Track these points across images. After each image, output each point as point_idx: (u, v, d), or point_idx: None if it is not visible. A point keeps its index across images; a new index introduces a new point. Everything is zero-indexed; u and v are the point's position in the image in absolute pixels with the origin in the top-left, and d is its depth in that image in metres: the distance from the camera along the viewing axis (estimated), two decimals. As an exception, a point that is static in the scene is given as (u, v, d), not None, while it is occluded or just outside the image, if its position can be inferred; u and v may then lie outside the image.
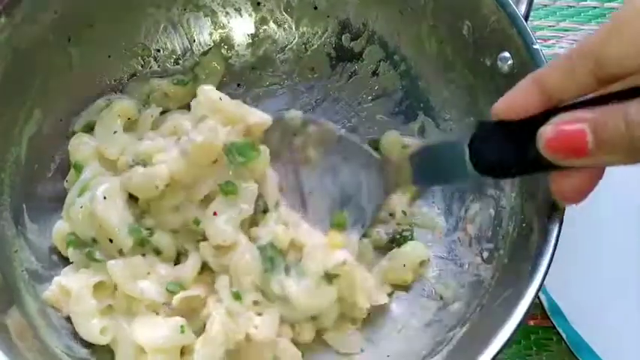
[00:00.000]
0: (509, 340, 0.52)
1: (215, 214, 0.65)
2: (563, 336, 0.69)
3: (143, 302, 0.64)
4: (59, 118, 0.72)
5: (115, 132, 0.71)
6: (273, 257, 0.64)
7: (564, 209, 0.56)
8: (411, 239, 0.72)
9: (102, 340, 0.63)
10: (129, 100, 0.74)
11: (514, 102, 0.50)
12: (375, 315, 0.69)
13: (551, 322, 0.70)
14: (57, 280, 0.66)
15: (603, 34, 0.46)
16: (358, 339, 0.68)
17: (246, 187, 0.65)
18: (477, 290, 0.64)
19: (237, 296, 0.63)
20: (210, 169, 0.65)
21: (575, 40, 0.92)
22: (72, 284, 0.64)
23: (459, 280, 0.68)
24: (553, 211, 0.56)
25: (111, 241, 0.65)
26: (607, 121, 0.44)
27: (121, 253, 0.66)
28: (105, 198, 0.65)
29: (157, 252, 0.67)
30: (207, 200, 0.66)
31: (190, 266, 0.66)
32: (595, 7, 0.95)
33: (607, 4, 0.95)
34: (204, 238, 0.66)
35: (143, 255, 0.66)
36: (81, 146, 0.71)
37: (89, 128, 0.73)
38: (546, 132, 0.46)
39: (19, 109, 0.68)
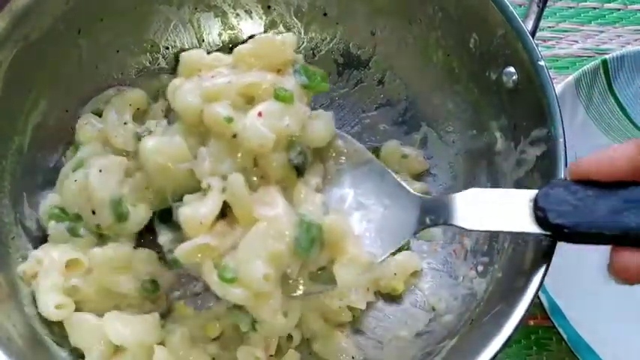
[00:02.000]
0: (497, 352, 0.52)
1: (260, 114, 0.57)
2: (564, 336, 0.69)
3: (120, 296, 0.63)
4: (65, 109, 0.73)
5: (125, 123, 0.71)
6: (314, 240, 0.54)
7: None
8: (407, 249, 0.72)
9: (54, 315, 0.61)
10: (140, 91, 0.75)
11: (608, 161, 0.47)
12: (366, 324, 0.69)
13: (552, 322, 0.70)
14: (34, 253, 0.65)
15: None
16: (349, 348, 0.67)
17: (300, 106, 0.59)
18: (470, 303, 0.64)
19: (231, 280, 0.54)
20: (267, 70, 0.60)
21: (574, 41, 0.92)
22: (45, 257, 0.64)
23: (453, 293, 0.68)
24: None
25: (94, 212, 0.64)
26: None
27: (98, 228, 0.65)
28: (100, 171, 0.65)
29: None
30: (246, 102, 0.59)
31: (210, 204, 0.55)
32: (595, 8, 0.96)
33: (607, 5, 0.96)
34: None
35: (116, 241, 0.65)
36: (87, 126, 0.72)
37: (97, 115, 0.73)
38: None
39: (25, 98, 0.69)
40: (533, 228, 0.49)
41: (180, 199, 0.59)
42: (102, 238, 0.67)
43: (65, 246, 0.66)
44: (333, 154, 0.64)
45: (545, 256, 0.55)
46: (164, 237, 0.61)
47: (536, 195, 0.49)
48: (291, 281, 0.57)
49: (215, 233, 0.55)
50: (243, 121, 0.56)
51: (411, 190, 0.60)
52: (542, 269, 0.54)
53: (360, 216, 0.60)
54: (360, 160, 0.63)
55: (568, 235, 0.48)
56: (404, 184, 0.61)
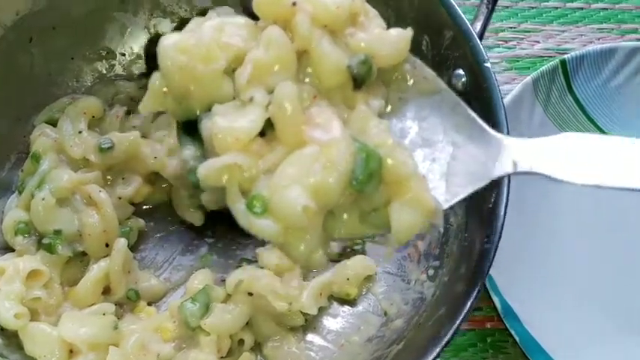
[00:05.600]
0: (435, 357, 0.52)
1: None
2: (516, 338, 0.68)
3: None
4: (18, 117, 0.73)
5: (80, 132, 0.71)
6: (373, 174, 0.45)
7: (501, 229, 0.55)
8: (362, 253, 0.71)
9: (12, 324, 0.62)
10: (95, 99, 0.75)
11: None
12: (319, 328, 0.69)
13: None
14: None
15: None
16: (299, 353, 0.67)
17: None
18: (419, 307, 0.64)
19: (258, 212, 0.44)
20: None
21: (536, 42, 0.92)
22: (9, 265, 0.64)
23: (404, 297, 0.68)
24: (491, 231, 0.55)
25: (107, 245, 0.68)
26: None
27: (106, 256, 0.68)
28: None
29: None
30: None
31: (252, 117, 0.45)
32: (557, 8, 0.95)
33: (569, 5, 0.95)
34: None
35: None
36: (42, 137, 0.71)
37: (50, 124, 0.73)
38: None
39: (-24, 106, 0.69)
40: None
41: (208, 110, 0.49)
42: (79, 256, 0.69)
43: (31, 257, 0.66)
44: (398, 77, 0.54)
45: (486, 259, 0.54)
46: (188, 151, 0.51)
47: None
48: (336, 218, 0.47)
49: (250, 152, 0.45)
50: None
51: (489, 129, 0.49)
52: (484, 273, 0.54)
53: (423, 154, 0.51)
54: (429, 89, 0.53)
55: None
56: (480, 120, 0.50)
